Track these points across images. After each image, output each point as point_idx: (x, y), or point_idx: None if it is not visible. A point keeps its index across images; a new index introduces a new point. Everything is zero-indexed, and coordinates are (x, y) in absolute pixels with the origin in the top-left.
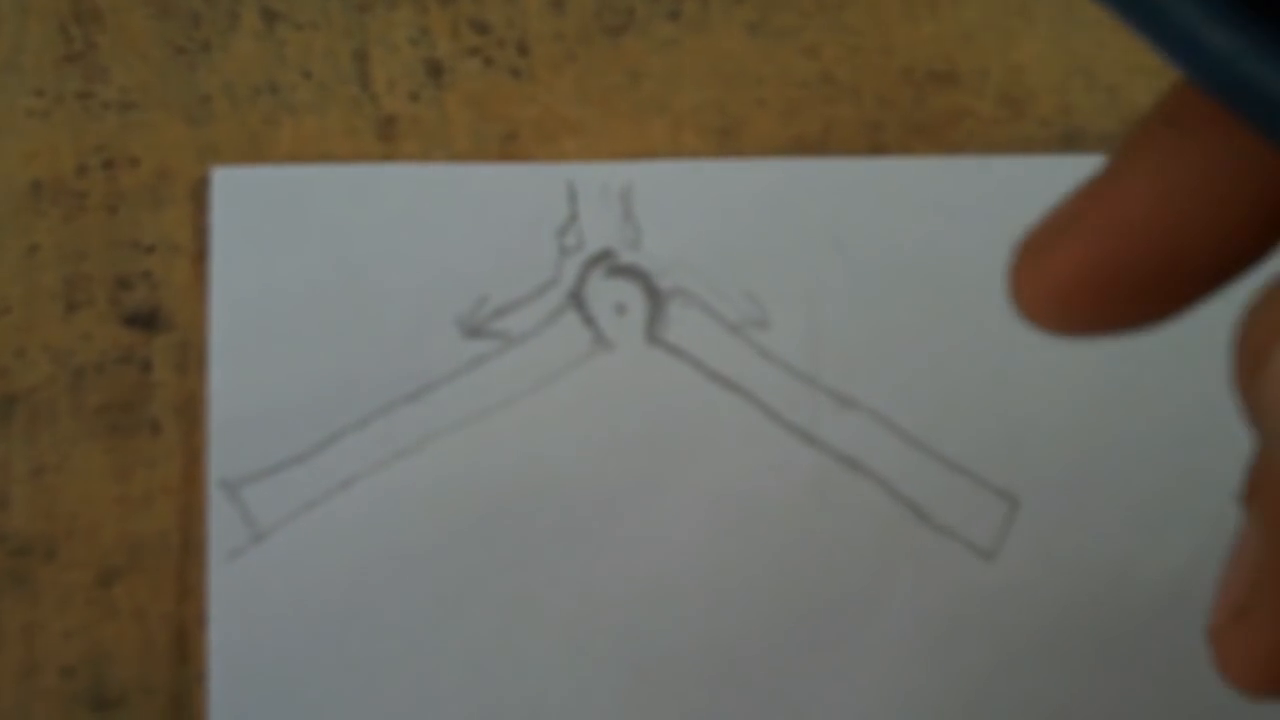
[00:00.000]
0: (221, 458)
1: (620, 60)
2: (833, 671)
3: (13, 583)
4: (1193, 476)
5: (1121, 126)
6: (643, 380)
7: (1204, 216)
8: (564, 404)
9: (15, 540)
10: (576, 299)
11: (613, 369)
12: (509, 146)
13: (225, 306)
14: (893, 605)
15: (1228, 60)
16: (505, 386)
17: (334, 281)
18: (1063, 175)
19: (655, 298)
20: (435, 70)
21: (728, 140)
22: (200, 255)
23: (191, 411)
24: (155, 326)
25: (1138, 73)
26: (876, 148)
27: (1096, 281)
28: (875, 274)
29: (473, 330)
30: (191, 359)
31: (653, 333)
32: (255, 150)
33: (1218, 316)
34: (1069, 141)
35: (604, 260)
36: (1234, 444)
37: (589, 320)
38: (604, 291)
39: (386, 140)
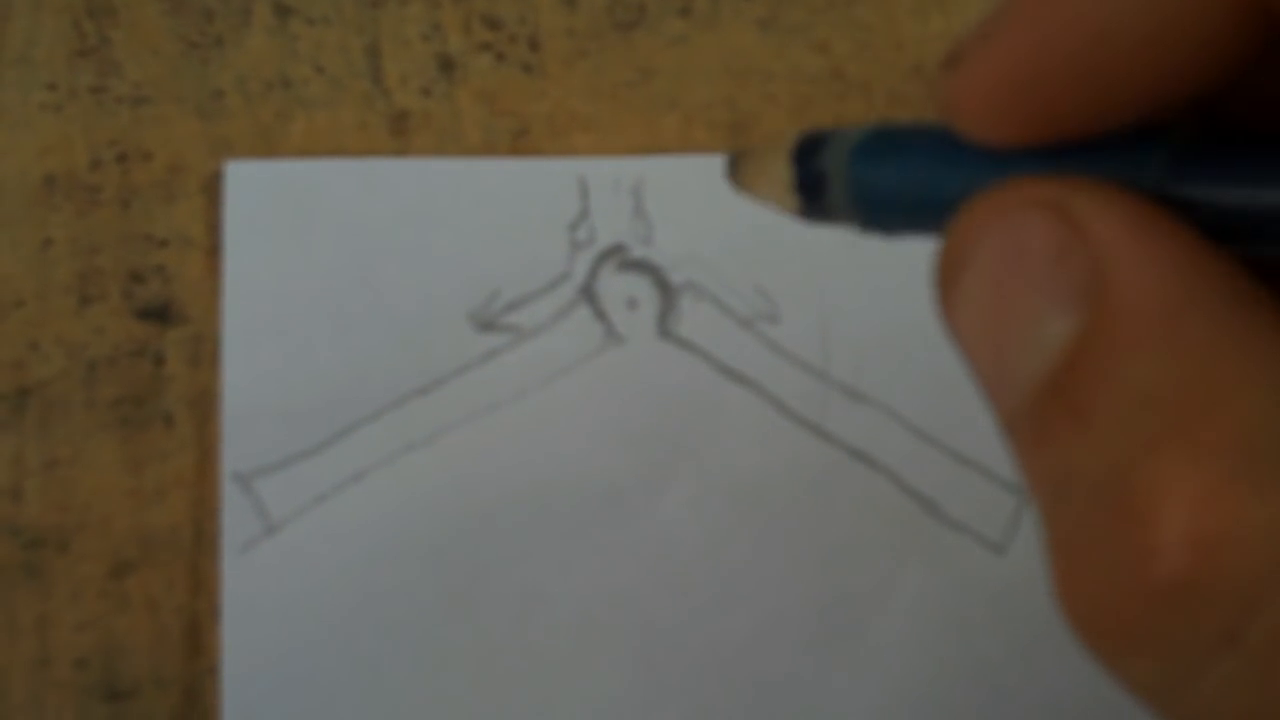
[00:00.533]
0: (234, 451)
1: (631, 56)
2: (843, 664)
3: (26, 575)
4: None
5: None
6: (654, 374)
7: (1137, 33)
8: (575, 398)
9: (29, 533)
10: (588, 293)
11: (624, 363)
12: (520, 141)
13: (238, 300)
14: (903, 599)
15: None
16: (517, 380)
17: (346, 275)
18: None
19: (666, 292)
20: (447, 65)
21: (738, 135)
22: (213, 249)
23: (204, 405)
24: (168, 320)
25: None
26: None
27: (1025, 80)
28: (886, 268)
29: (484, 324)
30: (204, 352)
31: (664, 327)
32: (268, 145)
33: None
34: None
35: (615, 255)
36: None
37: (600, 314)
38: (615, 286)
39: (398, 135)
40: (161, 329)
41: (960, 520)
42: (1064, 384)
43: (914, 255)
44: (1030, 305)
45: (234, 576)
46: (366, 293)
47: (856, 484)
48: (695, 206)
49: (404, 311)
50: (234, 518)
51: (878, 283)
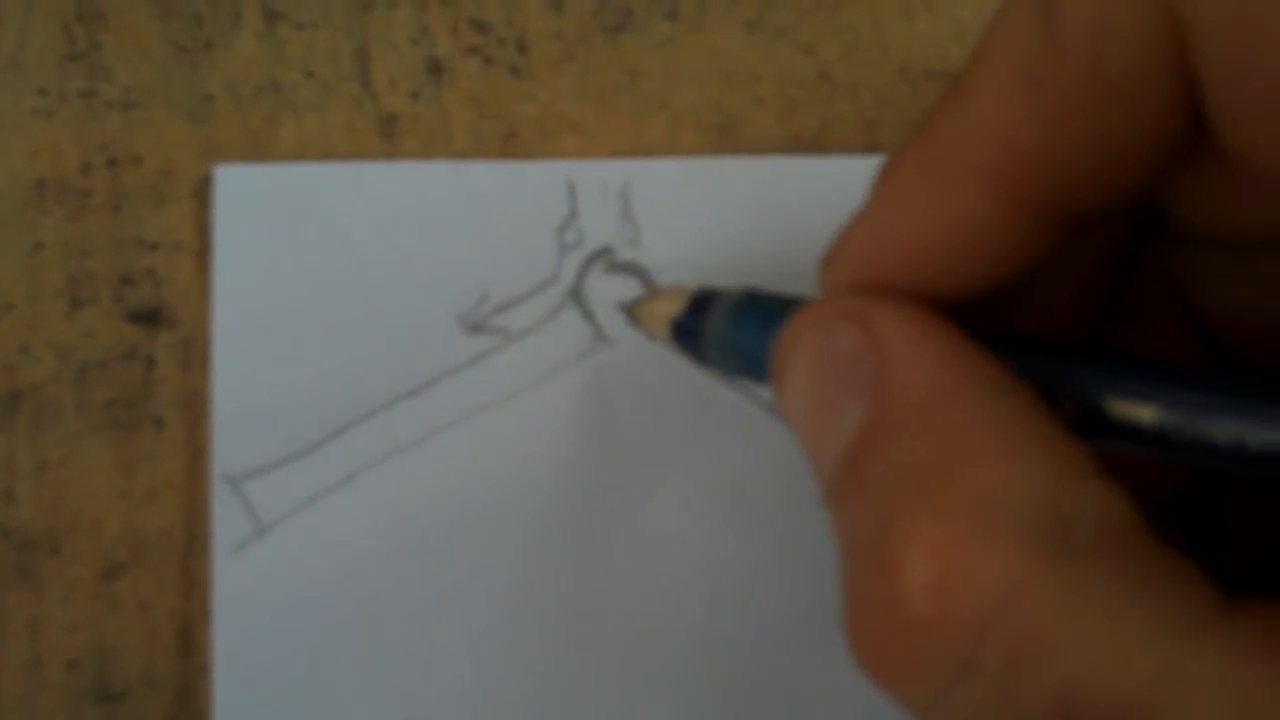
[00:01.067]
0: (225, 453)
1: (619, 59)
2: (836, 665)
3: (18, 577)
4: None
5: None
6: (643, 376)
7: (949, 252)
8: (564, 399)
9: (20, 535)
10: (576, 295)
11: (613, 364)
12: (509, 144)
13: (228, 303)
14: None
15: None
16: (506, 382)
17: (336, 278)
18: None
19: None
20: (436, 69)
21: (725, 138)
22: (203, 252)
23: (195, 407)
24: (159, 323)
25: None
26: (873, 145)
27: (868, 280)
28: None
29: (474, 326)
30: (195, 355)
31: None
32: (257, 149)
33: None
34: None
35: (603, 257)
36: None
37: (589, 316)
38: (604, 288)
39: (387, 138)
40: (152, 332)
41: None
42: (855, 461)
43: None
44: (834, 397)
45: (225, 578)
46: (356, 295)
47: None
48: (683, 209)
49: (393, 314)
50: (224, 520)
51: None
